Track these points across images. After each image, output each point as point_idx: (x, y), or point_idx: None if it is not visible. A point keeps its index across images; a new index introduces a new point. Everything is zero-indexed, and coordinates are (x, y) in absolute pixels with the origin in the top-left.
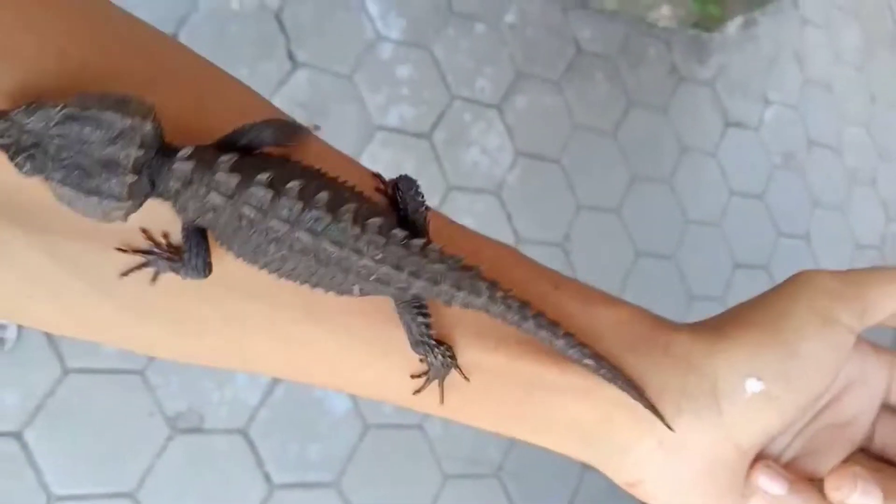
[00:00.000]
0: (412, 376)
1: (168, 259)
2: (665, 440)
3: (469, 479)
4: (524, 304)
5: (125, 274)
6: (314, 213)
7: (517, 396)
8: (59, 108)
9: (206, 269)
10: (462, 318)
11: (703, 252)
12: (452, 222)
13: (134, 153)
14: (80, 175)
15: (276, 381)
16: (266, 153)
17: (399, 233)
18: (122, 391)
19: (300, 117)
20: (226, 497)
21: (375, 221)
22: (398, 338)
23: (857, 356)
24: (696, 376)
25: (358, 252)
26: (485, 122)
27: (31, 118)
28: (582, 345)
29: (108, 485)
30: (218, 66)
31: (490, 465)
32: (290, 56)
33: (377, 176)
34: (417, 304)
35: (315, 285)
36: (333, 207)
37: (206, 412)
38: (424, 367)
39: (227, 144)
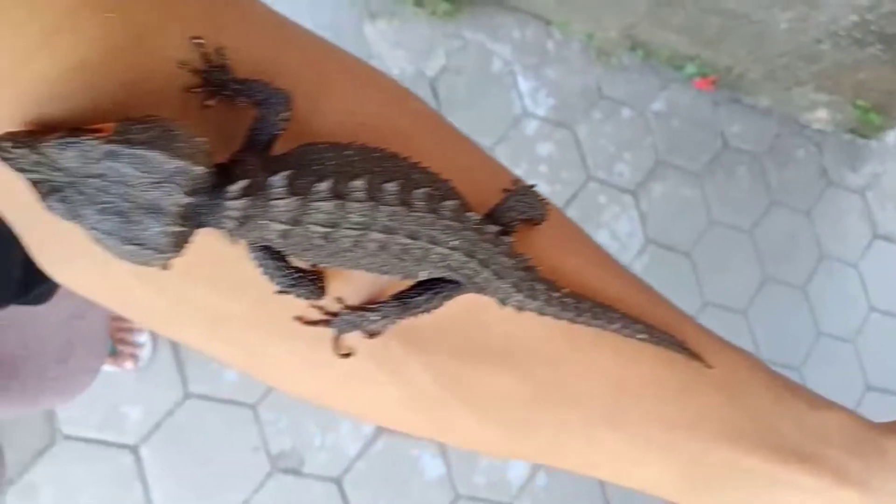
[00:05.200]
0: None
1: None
2: None
3: None
4: (579, 301)
5: None
6: (386, 209)
7: (760, 492)
8: (99, 143)
9: (318, 291)
10: (726, 419)
11: (832, 368)
12: (726, 341)
13: (182, 200)
14: (118, 221)
15: (377, 435)
16: (316, 142)
17: (473, 216)
18: (233, 422)
19: None
20: None
21: (449, 205)
22: (684, 444)
23: None
24: None
25: (433, 241)
26: (618, 207)
27: (67, 152)
28: (635, 322)
29: None
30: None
31: None
32: None
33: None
34: (448, 293)
35: (385, 273)
36: (405, 197)
37: (307, 455)
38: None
39: (253, 144)
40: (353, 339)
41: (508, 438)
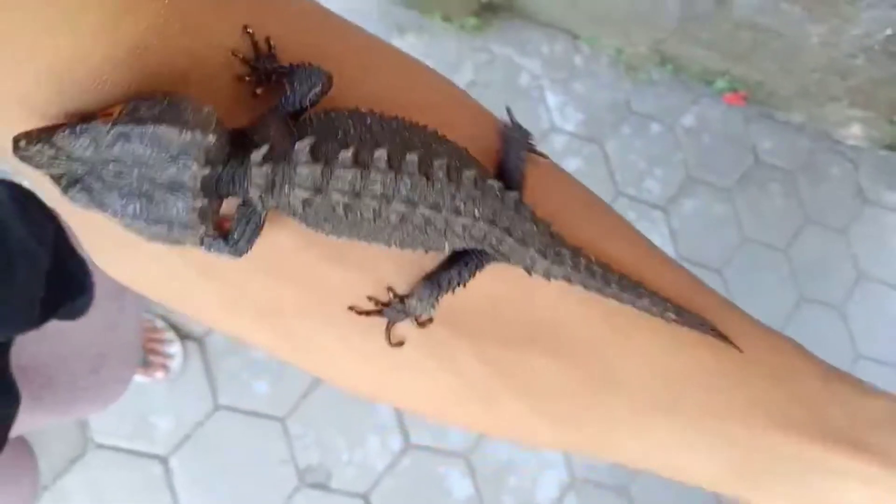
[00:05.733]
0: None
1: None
2: None
3: None
4: (606, 271)
5: None
6: (407, 180)
7: (810, 479)
8: (108, 126)
9: (247, 251)
10: (776, 406)
11: None
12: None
13: (199, 172)
14: (143, 203)
15: (404, 450)
16: (337, 109)
17: (495, 184)
18: (261, 435)
19: None
20: None
21: (470, 175)
22: (734, 432)
23: None
24: None
25: (456, 212)
26: (648, 223)
27: (79, 141)
28: (664, 300)
29: None
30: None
31: None
32: None
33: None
34: (477, 263)
35: (407, 247)
36: (426, 168)
37: (335, 470)
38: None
39: (278, 110)
40: (404, 327)
41: (558, 427)
